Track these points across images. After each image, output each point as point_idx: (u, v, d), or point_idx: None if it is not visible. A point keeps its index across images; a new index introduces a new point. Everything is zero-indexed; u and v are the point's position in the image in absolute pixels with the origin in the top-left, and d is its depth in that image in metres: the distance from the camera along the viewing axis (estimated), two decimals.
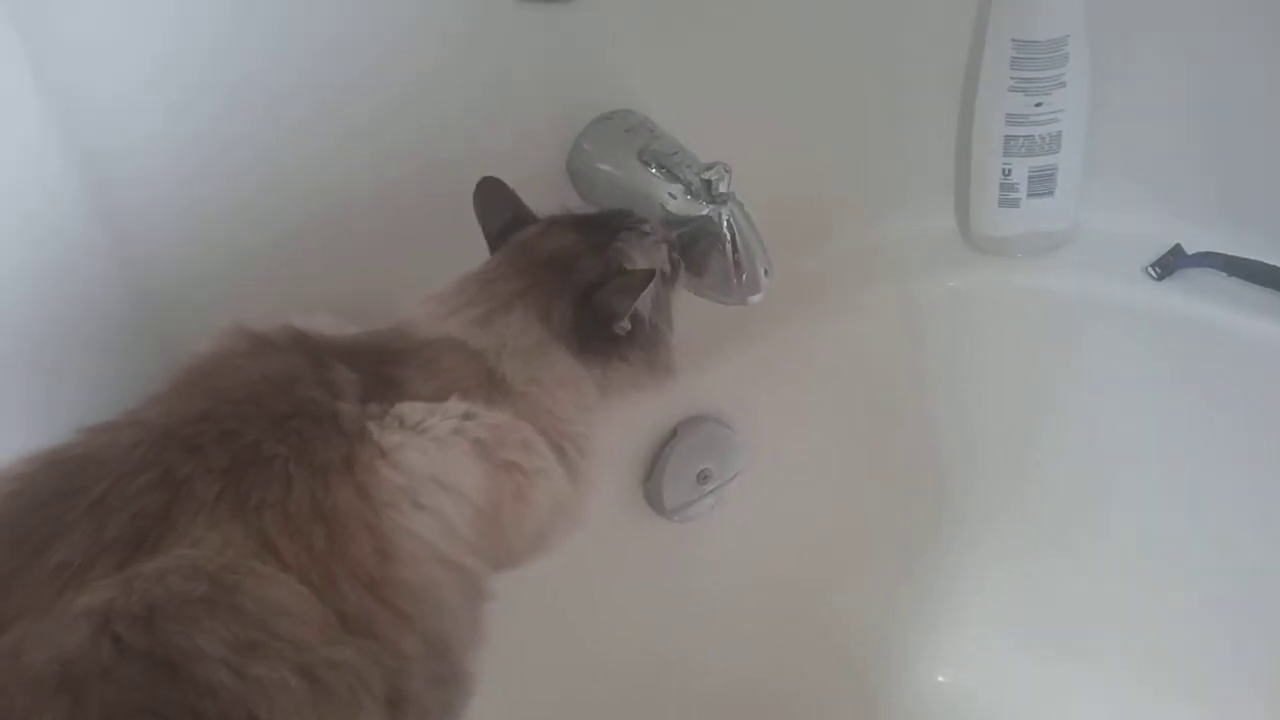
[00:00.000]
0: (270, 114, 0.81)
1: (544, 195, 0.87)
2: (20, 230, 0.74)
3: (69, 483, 0.63)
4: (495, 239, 0.83)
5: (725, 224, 0.87)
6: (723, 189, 0.86)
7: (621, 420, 0.84)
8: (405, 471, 0.66)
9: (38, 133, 0.73)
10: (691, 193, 0.88)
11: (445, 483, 0.68)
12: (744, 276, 0.88)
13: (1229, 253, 1.08)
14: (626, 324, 0.78)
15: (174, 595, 0.57)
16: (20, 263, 0.75)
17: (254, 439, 0.64)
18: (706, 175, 0.86)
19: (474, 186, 0.83)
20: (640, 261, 0.81)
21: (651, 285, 0.78)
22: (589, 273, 0.79)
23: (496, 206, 0.84)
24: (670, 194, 0.89)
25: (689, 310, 0.88)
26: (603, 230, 0.83)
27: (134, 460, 0.63)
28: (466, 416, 0.70)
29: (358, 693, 0.61)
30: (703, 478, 1.07)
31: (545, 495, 0.74)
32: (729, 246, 0.87)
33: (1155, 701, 1.13)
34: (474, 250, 0.84)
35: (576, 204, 0.91)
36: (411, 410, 0.68)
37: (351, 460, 0.65)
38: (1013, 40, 1.03)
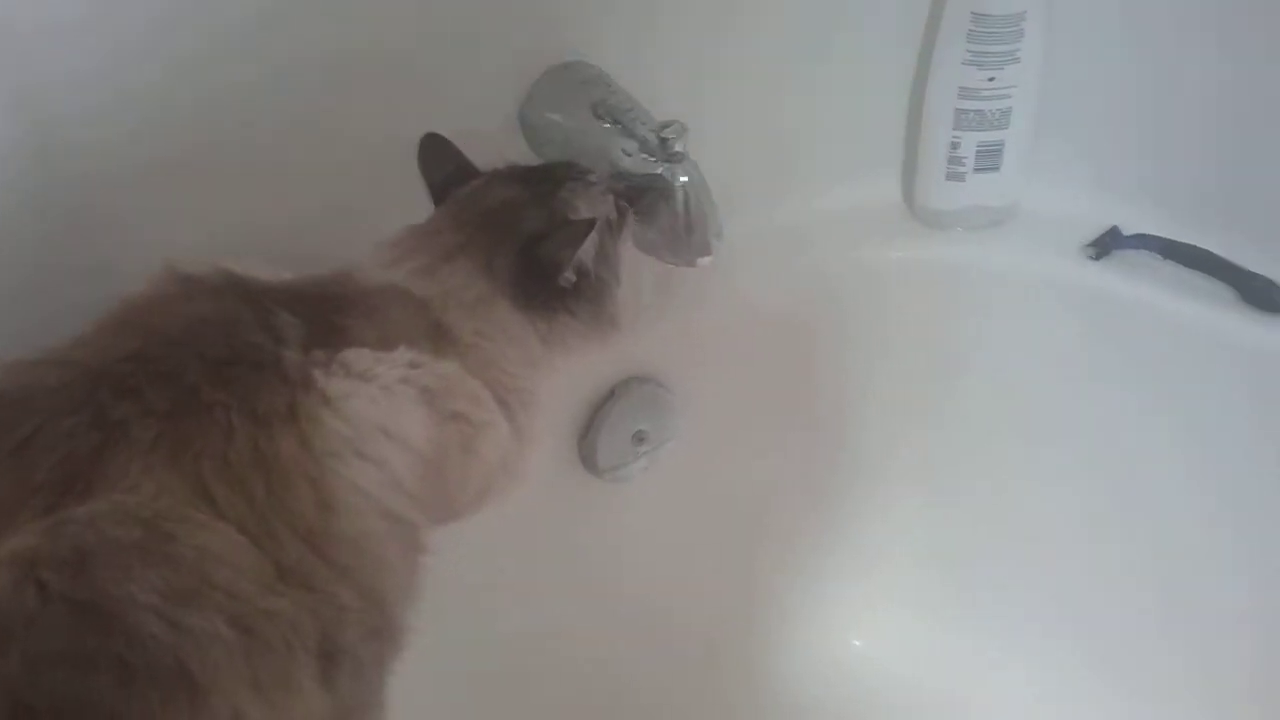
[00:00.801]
0: (217, 38, 0.78)
1: (494, 145, 0.85)
2: None
3: None
4: (439, 194, 0.82)
5: (679, 184, 0.86)
6: (678, 148, 0.85)
7: (563, 376, 0.82)
8: (351, 421, 0.64)
9: None
10: (646, 150, 0.87)
11: (391, 432, 0.66)
12: (694, 238, 0.88)
13: (1166, 236, 1.09)
14: (571, 275, 0.77)
15: (106, 541, 0.55)
16: None
17: (192, 383, 0.62)
18: (664, 134, 0.85)
19: (420, 136, 0.81)
20: (585, 211, 0.80)
21: (595, 235, 0.77)
22: (532, 224, 0.78)
23: (440, 162, 0.82)
24: (624, 150, 0.87)
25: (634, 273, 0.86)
26: (547, 181, 0.81)
27: (62, 400, 0.60)
28: (413, 365, 0.68)
29: (292, 645, 0.60)
30: (638, 439, 1.07)
31: (492, 448, 0.73)
32: (681, 207, 0.86)
33: (1070, 665, 1.16)
34: (416, 196, 0.82)
35: (524, 157, 0.89)
36: (358, 357, 0.66)
37: (295, 409, 0.63)
38: (971, 13, 1.03)
